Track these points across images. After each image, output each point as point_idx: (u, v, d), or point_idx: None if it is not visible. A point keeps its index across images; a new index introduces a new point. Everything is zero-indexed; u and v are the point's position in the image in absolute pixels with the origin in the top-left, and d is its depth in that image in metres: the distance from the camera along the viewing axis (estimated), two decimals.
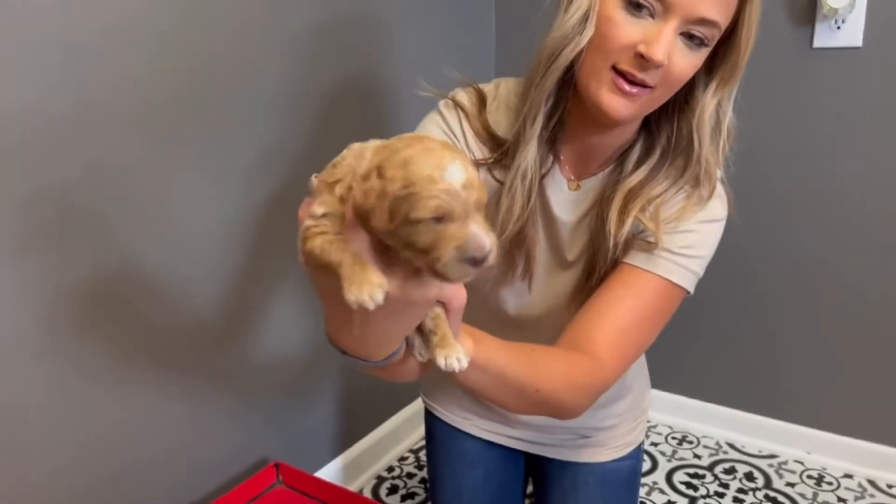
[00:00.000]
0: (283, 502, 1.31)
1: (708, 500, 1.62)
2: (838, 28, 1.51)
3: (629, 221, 0.87)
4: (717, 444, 1.83)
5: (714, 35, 0.79)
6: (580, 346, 0.84)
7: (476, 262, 0.50)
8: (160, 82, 1.09)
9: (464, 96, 0.96)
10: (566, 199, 0.95)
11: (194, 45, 1.13)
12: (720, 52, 0.84)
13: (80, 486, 1.09)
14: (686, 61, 0.79)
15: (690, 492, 1.65)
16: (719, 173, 0.92)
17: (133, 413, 1.15)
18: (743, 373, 1.82)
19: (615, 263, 0.91)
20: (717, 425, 1.88)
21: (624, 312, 0.87)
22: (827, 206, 1.62)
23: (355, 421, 1.67)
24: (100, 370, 1.09)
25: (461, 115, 0.95)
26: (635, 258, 0.89)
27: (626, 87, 0.79)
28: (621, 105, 0.81)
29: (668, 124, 0.90)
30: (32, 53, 0.92)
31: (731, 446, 1.82)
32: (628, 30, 0.78)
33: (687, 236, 0.88)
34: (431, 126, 0.96)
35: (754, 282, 1.74)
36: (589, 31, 0.80)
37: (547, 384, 0.79)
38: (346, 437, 1.65)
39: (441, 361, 0.61)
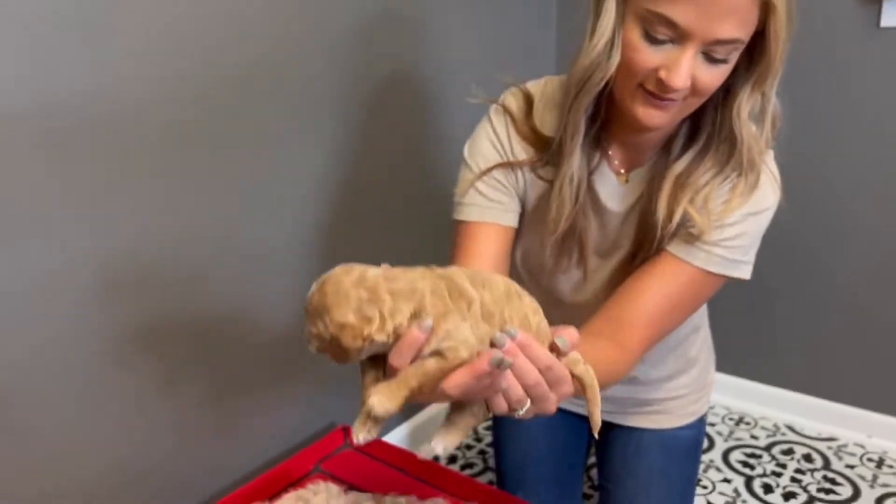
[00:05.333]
0: (352, 464, 1.36)
1: (765, 479, 1.62)
2: None
3: (679, 213, 0.89)
4: (775, 426, 1.83)
5: (737, 47, 0.79)
6: (609, 329, 0.88)
7: None
8: (257, 81, 1.18)
9: (512, 101, 0.99)
10: (615, 191, 0.98)
11: (284, 50, 1.20)
12: (756, 49, 0.82)
13: (170, 449, 1.18)
14: (711, 75, 0.80)
15: (747, 470, 1.65)
16: (770, 153, 0.93)
17: (216, 383, 1.23)
18: (802, 355, 1.82)
19: (658, 251, 0.94)
20: (774, 407, 1.87)
21: (657, 299, 0.90)
22: (893, 188, 1.61)
23: None
24: (188, 345, 1.17)
25: (508, 120, 0.99)
26: (676, 248, 0.91)
27: (657, 101, 0.82)
28: (655, 115, 0.84)
29: (709, 115, 0.91)
30: (149, 56, 1.01)
31: (790, 428, 1.82)
32: (650, 56, 0.80)
33: (731, 229, 0.90)
34: (482, 133, 1.00)
35: (814, 263, 1.73)
36: (615, 58, 0.82)
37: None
38: (410, 405, 1.70)
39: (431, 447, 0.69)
